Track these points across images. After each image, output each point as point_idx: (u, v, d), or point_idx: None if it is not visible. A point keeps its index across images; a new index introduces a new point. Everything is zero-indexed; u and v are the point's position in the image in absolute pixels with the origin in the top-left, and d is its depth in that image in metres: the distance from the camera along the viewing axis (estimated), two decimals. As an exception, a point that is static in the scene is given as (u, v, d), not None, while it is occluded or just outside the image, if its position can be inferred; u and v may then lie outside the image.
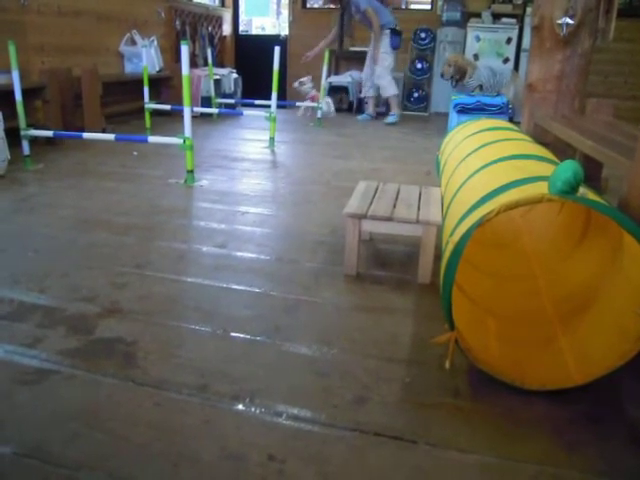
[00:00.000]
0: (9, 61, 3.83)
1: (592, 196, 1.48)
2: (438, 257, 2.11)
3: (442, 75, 6.54)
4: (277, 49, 4.97)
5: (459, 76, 6.37)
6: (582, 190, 1.44)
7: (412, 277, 2.32)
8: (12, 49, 3.80)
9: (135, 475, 1.23)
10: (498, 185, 1.65)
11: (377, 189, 2.63)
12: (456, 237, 1.56)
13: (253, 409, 1.46)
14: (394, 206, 2.36)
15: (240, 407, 1.47)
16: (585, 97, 3.80)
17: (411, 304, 2.11)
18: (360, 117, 7.44)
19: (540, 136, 3.37)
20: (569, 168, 1.38)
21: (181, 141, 3.69)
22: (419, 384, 1.60)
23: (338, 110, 8.13)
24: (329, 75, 7.79)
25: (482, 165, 2.06)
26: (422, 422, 1.44)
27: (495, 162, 2.02)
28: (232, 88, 7.66)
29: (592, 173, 3.23)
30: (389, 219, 2.25)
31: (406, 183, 2.80)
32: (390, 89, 7.05)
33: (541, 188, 1.46)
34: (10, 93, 3.98)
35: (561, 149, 3.25)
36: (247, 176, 4.13)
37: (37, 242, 2.61)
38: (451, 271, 1.50)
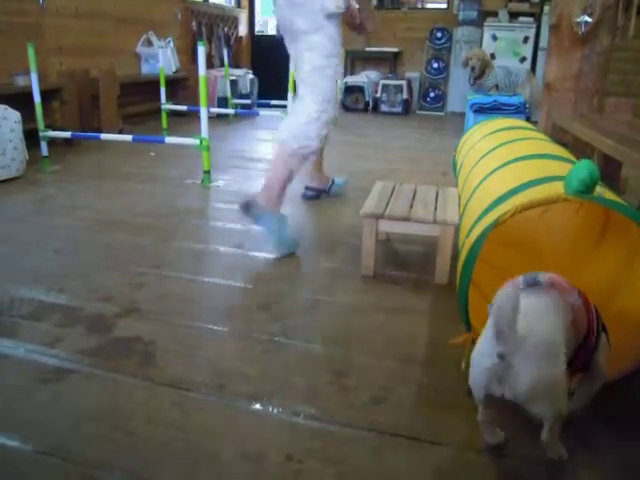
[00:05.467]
0: (28, 63, 3.88)
1: (610, 195, 1.46)
2: (455, 257, 2.09)
3: (466, 65, 6.41)
4: (293, 49, 4.97)
5: (480, 72, 6.33)
6: (599, 189, 1.42)
7: (429, 277, 2.31)
8: (31, 51, 3.84)
9: (154, 474, 1.23)
10: (514, 185, 1.64)
11: (394, 189, 2.62)
12: (472, 238, 1.55)
13: (271, 409, 1.46)
14: (411, 206, 2.35)
15: (258, 407, 1.47)
16: (604, 96, 3.77)
17: (428, 304, 2.10)
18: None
19: (558, 136, 3.35)
20: (585, 167, 1.36)
21: (198, 142, 3.71)
22: (437, 384, 1.59)
23: (354, 110, 8.13)
24: (345, 75, 7.79)
25: (498, 165, 2.04)
26: (440, 423, 1.43)
27: (512, 162, 2.01)
28: (248, 89, 7.67)
29: (611, 173, 3.20)
30: (406, 219, 2.24)
31: (423, 183, 2.79)
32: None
33: (558, 188, 1.45)
34: (29, 95, 4.02)
35: (580, 149, 3.22)
36: (264, 176, 4.13)
37: (56, 242, 2.64)
38: (467, 272, 1.49)
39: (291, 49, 2.89)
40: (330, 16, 2.64)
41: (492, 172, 2.03)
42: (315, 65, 2.68)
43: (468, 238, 1.63)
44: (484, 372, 1.14)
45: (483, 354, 1.14)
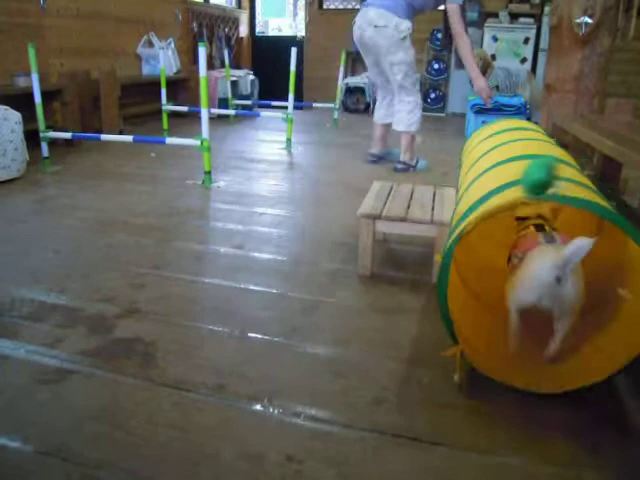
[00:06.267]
0: (29, 64, 3.88)
1: (575, 190, 1.44)
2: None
3: None
4: (294, 50, 4.99)
5: (482, 72, 6.32)
6: (566, 184, 1.40)
7: (427, 277, 2.31)
8: (32, 52, 3.84)
9: (155, 474, 1.23)
10: (486, 191, 1.63)
11: (391, 189, 2.62)
12: (448, 244, 1.55)
13: (271, 410, 1.46)
14: (408, 207, 2.35)
15: (258, 407, 1.47)
16: (604, 97, 3.77)
17: (427, 305, 2.10)
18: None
19: (559, 136, 3.35)
20: (540, 166, 1.34)
21: (198, 142, 3.71)
22: (437, 385, 1.59)
23: (354, 111, 8.14)
24: (345, 76, 7.79)
25: (487, 168, 2.03)
26: (441, 423, 1.43)
27: (501, 164, 2.00)
28: (249, 89, 7.68)
29: (611, 173, 3.21)
30: (403, 220, 2.24)
31: (422, 184, 2.79)
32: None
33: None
34: (29, 95, 4.02)
35: (580, 149, 3.22)
36: (264, 177, 4.14)
37: (57, 243, 2.64)
38: (442, 292, 1.50)
39: (370, 59, 4.38)
40: (404, 38, 4.01)
41: (480, 175, 2.02)
42: (404, 73, 4.16)
43: (438, 255, 1.64)
44: (537, 290, 1.46)
45: (539, 280, 1.45)
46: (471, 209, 1.58)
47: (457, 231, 1.53)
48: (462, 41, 4.04)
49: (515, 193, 1.43)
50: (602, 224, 2.00)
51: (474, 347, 1.59)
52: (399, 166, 4.43)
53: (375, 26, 4.05)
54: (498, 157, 2.10)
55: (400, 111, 4.33)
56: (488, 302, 1.87)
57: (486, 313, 1.84)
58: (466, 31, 4.03)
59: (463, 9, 3.99)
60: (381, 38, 4.06)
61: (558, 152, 2.20)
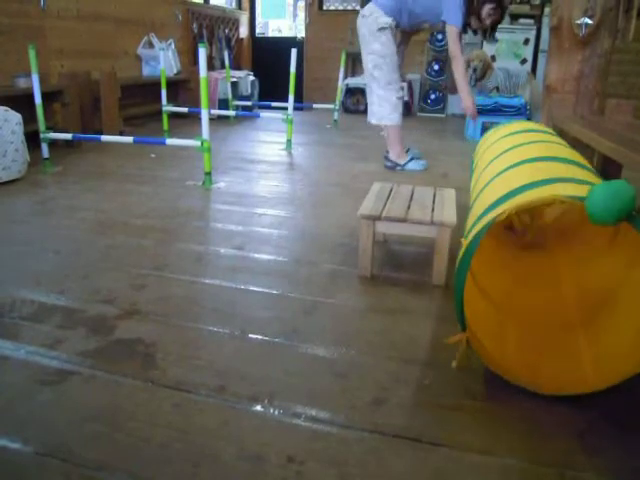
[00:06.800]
0: (29, 65, 3.88)
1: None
2: (453, 259, 2.09)
3: (467, 66, 6.39)
4: (294, 51, 4.99)
5: (482, 73, 6.32)
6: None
7: (427, 278, 2.31)
8: (32, 53, 3.84)
9: (155, 475, 1.23)
10: (517, 186, 1.64)
11: (391, 190, 2.62)
12: (469, 237, 1.55)
13: (272, 410, 1.46)
14: (408, 207, 2.35)
15: (258, 408, 1.47)
16: (604, 98, 3.77)
17: (427, 306, 2.10)
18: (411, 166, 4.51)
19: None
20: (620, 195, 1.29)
21: (199, 143, 3.71)
22: (438, 386, 1.59)
23: (355, 112, 8.14)
24: (345, 77, 7.79)
25: (507, 166, 2.04)
26: (441, 424, 1.43)
27: (521, 163, 2.01)
28: (249, 90, 7.68)
29: (611, 175, 3.20)
30: (403, 220, 2.24)
31: (422, 184, 2.80)
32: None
33: (556, 189, 1.45)
34: (30, 96, 4.03)
35: (580, 150, 3.22)
36: (264, 178, 4.14)
37: (57, 244, 2.64)
38: (462, 272, 1.49)
39: (362, 53, 4.36)
40: (381, 29, 4.11)
41: (498, 174, 2.03)
42: (375, 63, 4.23)
43: (464, 238, 1.63)
44: None
45: None
46: (502, 200, 1.58)
47: (487, 219, 1.53)
48: (457, 63, 4.22)
49: (555, 190, 1.43)
50: (619, 230, 2.00)
51: (480, 341, 1.59)
52: (387, 163, 4.54)
53: (362, 16, 4.26)
54: (516, 158, 2.11)
55: (372, 103, 4.42)
56: (500, 303, 1.88)
57: (491, 308, 1.84)
58: (462, 52, 4.22)
59: (461, 33, 4.17)
60: (363, 27, 4.25)
61: (572, 154, 2.20)
